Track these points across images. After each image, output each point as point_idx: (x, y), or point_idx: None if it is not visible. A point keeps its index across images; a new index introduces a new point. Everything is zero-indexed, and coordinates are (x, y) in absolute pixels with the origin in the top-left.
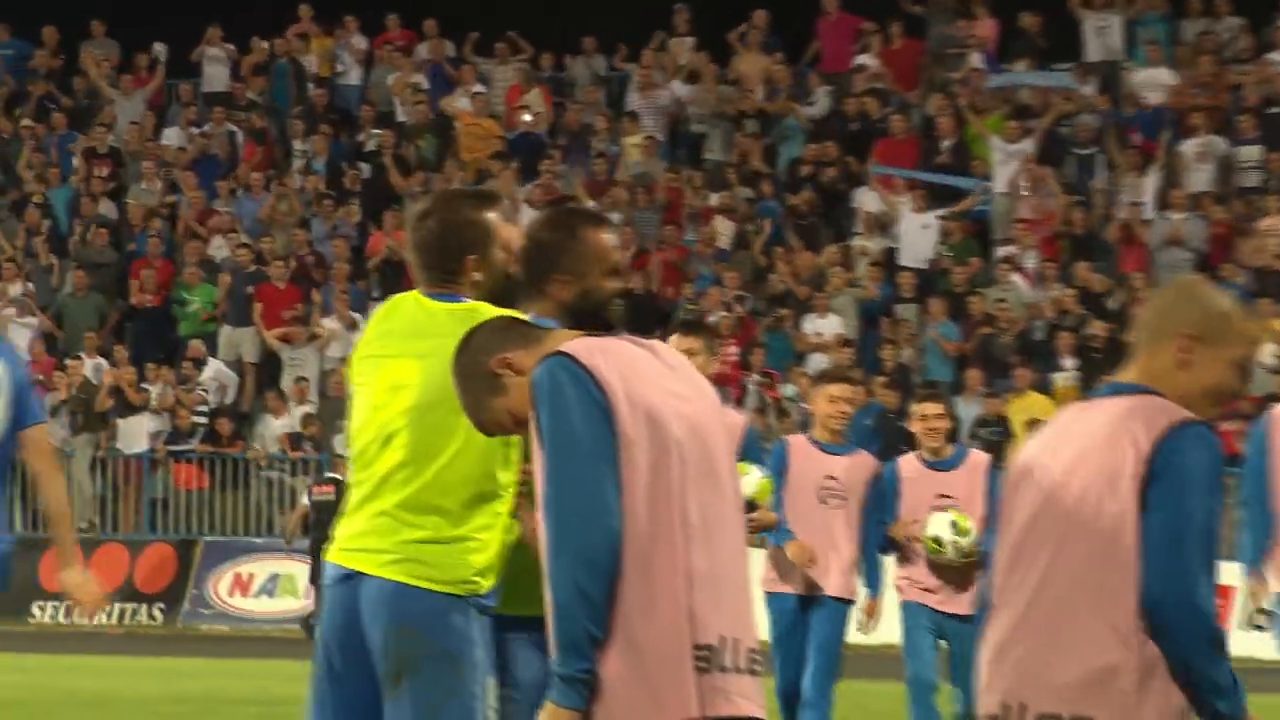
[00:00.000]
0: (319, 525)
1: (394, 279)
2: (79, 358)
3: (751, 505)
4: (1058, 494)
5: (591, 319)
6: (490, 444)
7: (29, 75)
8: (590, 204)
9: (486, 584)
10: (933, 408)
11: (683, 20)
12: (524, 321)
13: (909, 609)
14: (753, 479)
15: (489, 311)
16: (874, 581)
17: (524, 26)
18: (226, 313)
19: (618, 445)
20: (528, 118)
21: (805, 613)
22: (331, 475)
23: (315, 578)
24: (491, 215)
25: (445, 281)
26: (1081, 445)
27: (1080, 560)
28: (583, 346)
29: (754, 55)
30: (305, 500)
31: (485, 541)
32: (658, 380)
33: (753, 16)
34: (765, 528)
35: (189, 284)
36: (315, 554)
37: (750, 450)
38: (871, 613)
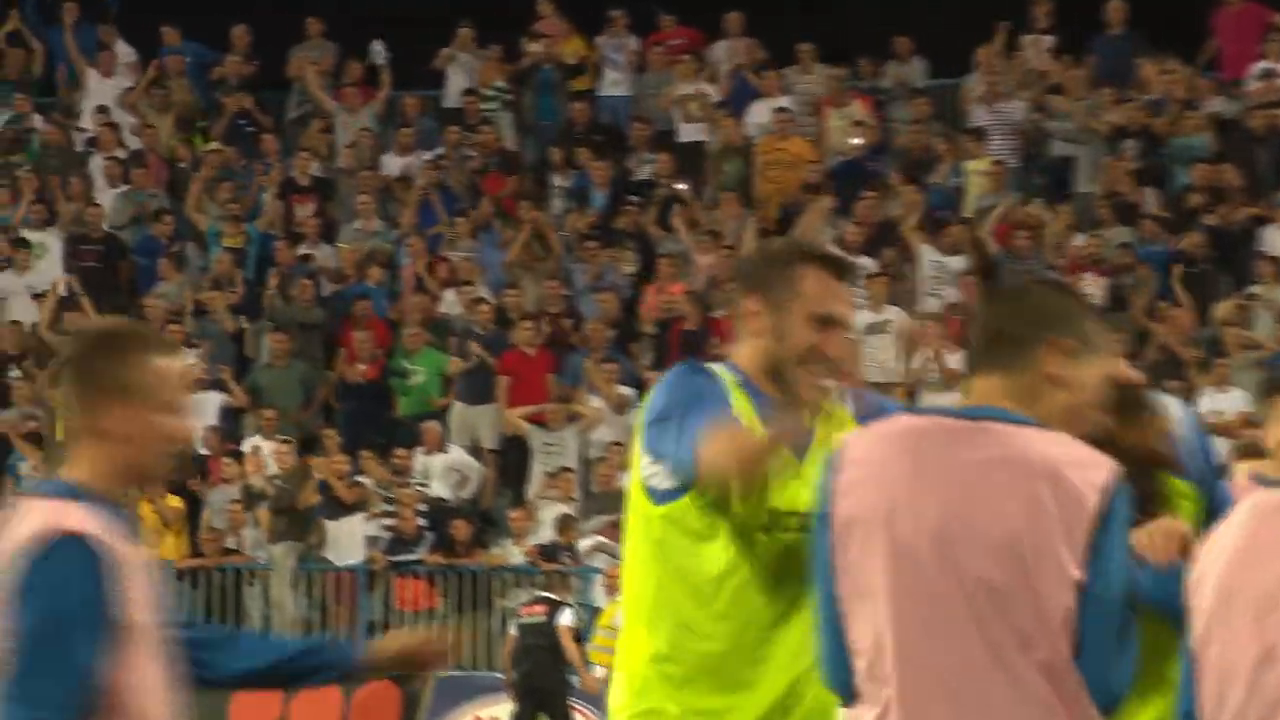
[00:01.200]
0: (526, 655)
1: (676, 345)
2: (288, 441)
3: None
4: None
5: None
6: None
7: (214, 87)
8: (928, 246)
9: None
10: None
11: (1042, 13)
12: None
13: None
14: None
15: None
16: None
17: (822, 25)
18: (460, 387)
19: (832, 560)
20: (856, 140)
21: None
22: (544, 594)
23: None
24: (802, 268)
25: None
26: None
27: None
28: (862, 432)
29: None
30: (512, 628)
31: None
32: (926, 486)
33: (1107, 8)
34: None
35: (410, 349)
36: (520, 694)
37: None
38: None
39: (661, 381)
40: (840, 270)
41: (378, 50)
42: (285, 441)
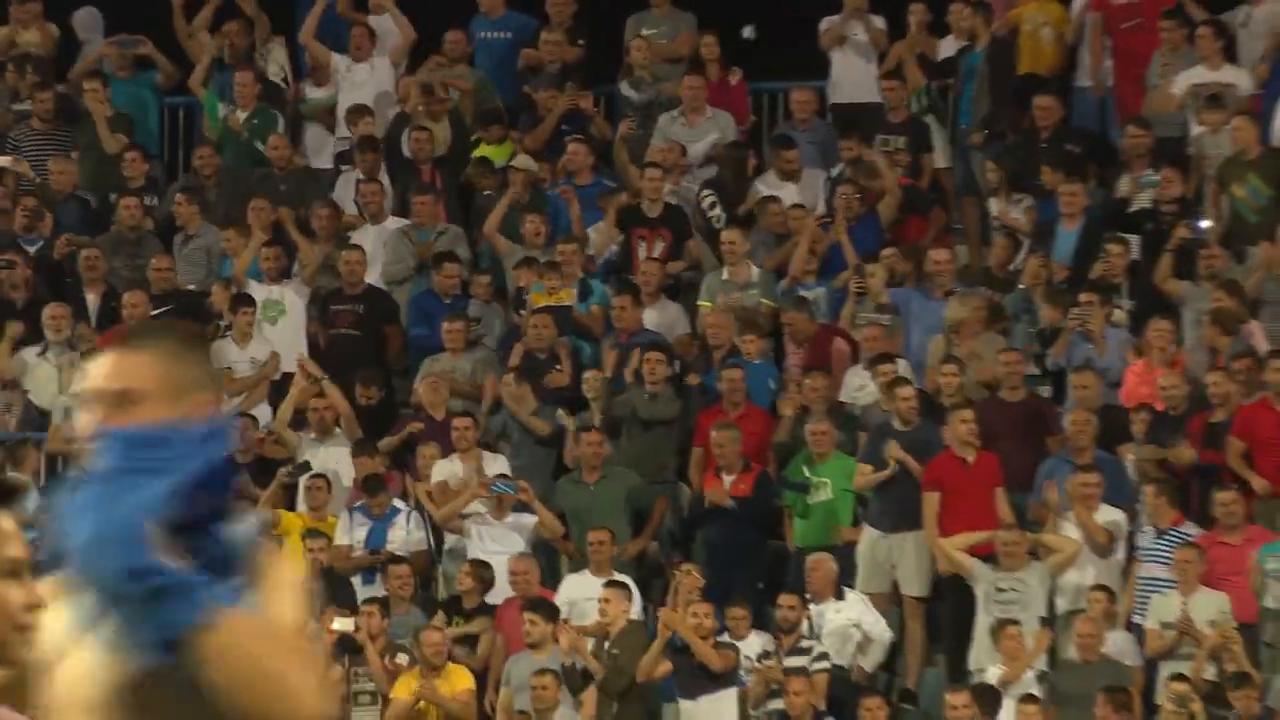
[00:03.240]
0: None
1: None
2: (621, 585)
3: None
4: None
5: None
6: None
7: (522, 77)
8: None
9: None
10: None
11: None
12: None
13: None
14: None
15: None
16: None
17: None
18: (870, 507)
19: None
20: None
21: None
22: None
23: None
24: None
25: None
26: None
27: None
28: None
29: None
30: None
31: None
32: None
33: None
34: None
35: (818, 453)
36: None
37: None
38: None
39: None
40: None
41: (748, 33)
42: (617, 585)
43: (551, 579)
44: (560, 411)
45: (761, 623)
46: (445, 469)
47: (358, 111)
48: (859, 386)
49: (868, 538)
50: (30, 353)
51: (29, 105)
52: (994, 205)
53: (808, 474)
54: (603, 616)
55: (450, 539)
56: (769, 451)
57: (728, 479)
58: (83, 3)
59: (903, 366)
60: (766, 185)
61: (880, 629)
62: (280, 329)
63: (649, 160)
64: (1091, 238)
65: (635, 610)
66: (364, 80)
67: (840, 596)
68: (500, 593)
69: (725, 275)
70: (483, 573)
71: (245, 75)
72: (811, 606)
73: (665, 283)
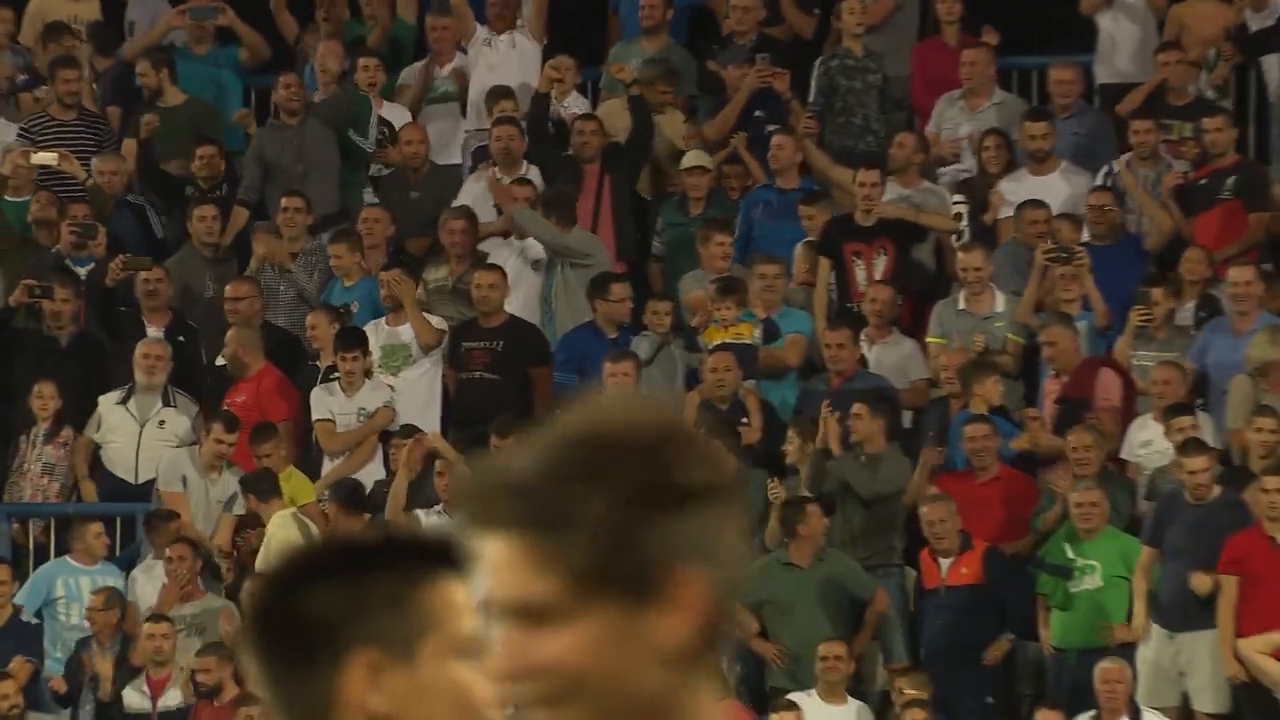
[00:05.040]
0: None
1: None
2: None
3: None
4: None
5: None
6: None
7: (701, 51)
8: None
9: None
10: None
11: None
12: None
13: None
14: None
15: None
16: None
17: None
18: (1159, 600)
19: None
20: None
21: None
22: None
23: None
24: None
25: None
26: None
27: None
28: None
29: None
30: None
31: None
32: None
33: None
34: None
35: (1084, 528)
36: None
37: None
38: None
39: None
40: None
41: None
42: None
43: (747, 695)
44: (770, 481)
45: None
46: None
47: (498, 95)
48: (1144, 442)
49: (1153, 637)
50: (109, 400)
51: (47, 88)
52: None
53: (1071, 554)
54: None
55: None
56: (1025, 524)
57: (944, 563)
58: None
59: (1203, 422)
60: (1013, 185)
61: None
62: (405, 380)
63: (893, 155)
64: None
65: None
66: (505, 58)
67: (1136, 716)
68: None
69: (961, 304)
70: None
71: (331, 45)
72: None
73: (896, 312)
